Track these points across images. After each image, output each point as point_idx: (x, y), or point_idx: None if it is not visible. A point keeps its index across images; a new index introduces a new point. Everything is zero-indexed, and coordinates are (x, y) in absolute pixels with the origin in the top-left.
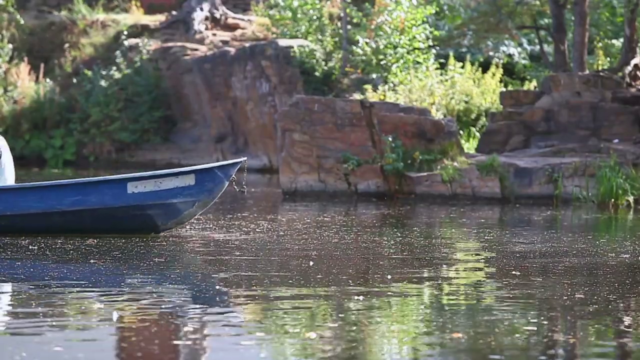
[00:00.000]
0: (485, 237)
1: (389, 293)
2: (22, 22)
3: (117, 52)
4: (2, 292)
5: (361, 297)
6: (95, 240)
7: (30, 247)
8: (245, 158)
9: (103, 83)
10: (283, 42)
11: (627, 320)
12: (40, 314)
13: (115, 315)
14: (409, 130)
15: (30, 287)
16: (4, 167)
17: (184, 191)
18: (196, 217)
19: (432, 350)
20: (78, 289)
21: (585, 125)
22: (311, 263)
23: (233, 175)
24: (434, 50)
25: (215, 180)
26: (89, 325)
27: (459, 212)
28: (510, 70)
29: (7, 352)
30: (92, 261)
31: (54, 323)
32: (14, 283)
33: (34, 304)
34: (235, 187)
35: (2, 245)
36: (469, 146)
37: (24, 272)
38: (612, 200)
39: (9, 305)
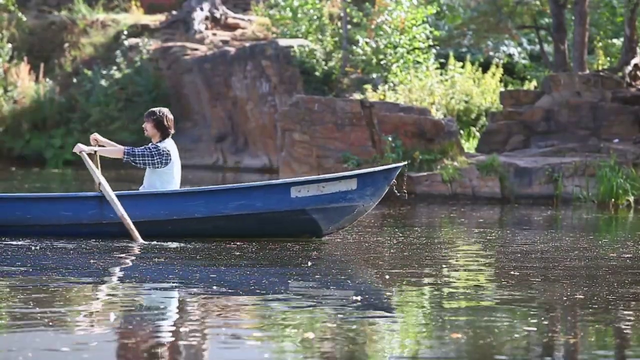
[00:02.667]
0: (485, 237)
1: (389, 293)
2: (24, 19)
3: (117, 52)
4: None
5: (359, 297)
6: (249, 244)
7: (181, 250)
8: (405, 162)
9: (103, 83)
10: (283, 42)
11: (627, 320)
12: (198, 319)
13: (112, 317)
14: (409, 130)
15: (187, 291)
16: (173, 173)
17: (346, 195)
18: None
19: (432, 350)
20: (228, 291)
21: (585, 125)
22: (309, 264)
23: (393, 180)
24: (434, 50)
25: (377, 185)
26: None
27: (459, 212)
28: (510, 70)
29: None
30: (251, 265)
31: (205, 329)
32: (161, 285)
33: (190, 308)
34: (395, 191)
35: (155, 248)
36: (469, 146)
37: (175, 275)
38: (612, 200)
39: (170, 310)
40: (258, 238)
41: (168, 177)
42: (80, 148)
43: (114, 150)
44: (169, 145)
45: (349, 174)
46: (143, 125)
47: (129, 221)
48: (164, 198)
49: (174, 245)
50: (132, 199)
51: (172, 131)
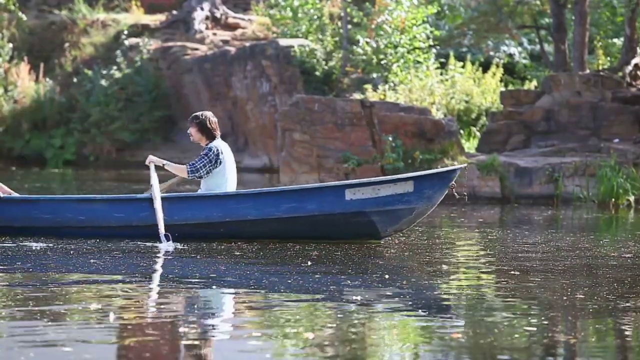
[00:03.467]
0: (486, 237)
1: (388, 293)
2: (24, 18)
3: (118, 52)
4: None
5: (359, 297)
6: (307, 247)
7: (237, 252)
8: (465, 165)
9: (103, 83)
10: (283, 42)
11: (627, 320)
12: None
13: (112, 317)
14: (409, 129)
15: (239, 292)
16: (226, 173)
17: (403, 198)
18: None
19: (431, 350)
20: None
21: (585, 125)
22: (309, 263)
23: (453, 182)
24: (434, 50)
25: (435, 187)
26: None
27: (459, 212)
28: (510, 70)
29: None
30: (308, 268)
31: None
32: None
33: (248, 311)
34: (455, 193)
35: (223, 250)
36: (469, 146)
37: (233, 276)
38: (613, 199)
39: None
40: (313, 241)
41: (222, 179)
42: (151, 159)
43: (178, 167)
44: (219, 145)
45: (405, 176)
46: (188, 131)
47: (162, 227)
48: (217, 200)
49: (204, 244)
50: (186, 201)
51: (218, 133)
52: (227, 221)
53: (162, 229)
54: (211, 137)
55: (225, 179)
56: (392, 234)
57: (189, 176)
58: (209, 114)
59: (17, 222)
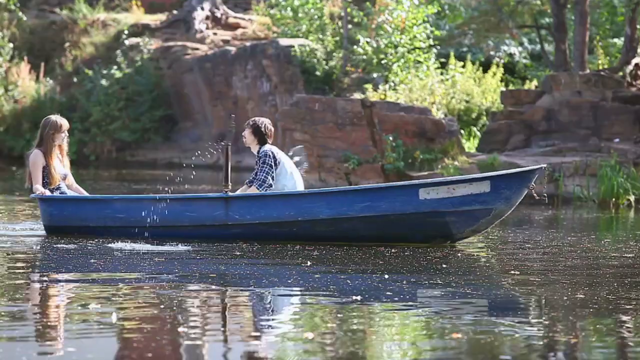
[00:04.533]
0: (486, 237)
1: (388, 293)
2: (24, 18)
3: (118, 52)
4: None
5: (359, 297)
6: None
7: (238, 252)
8: (545, 165)
9: (104, 82)
10: (284, 42)
11: (627, 320)
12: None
13: (114, 317)
14: (410, 129)
15: (239, 292)
16: (288, 172)
17: (479, 198)
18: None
19: (431, 350)
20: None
21: (586, 125)
22: (309, 263)
23: (532, 183)
24: (434, 50)
25: (512, 188)
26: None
27: None
28: (511, 70)
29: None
30: (383, 270)
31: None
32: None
33: (248, 312)
34: (535, 194)
35: (289, 252)
36: (470, 145)
37: (233, 276)
38: (613, 199)
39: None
40: (386, 241)
41: (285, 178)
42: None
43: (250, 191)
44: (270, 147)
45: (481, 176)
46: (242, 134)
47: None
48: (290, 199)
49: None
50: (259, 200)
51: (270, 140)
52: (299, 220)
53: None
54: (262, 141)
55: (289, 177)
56: (469, 235)
57: (260, 190)
58: (266, 120)
59: (92, 221)
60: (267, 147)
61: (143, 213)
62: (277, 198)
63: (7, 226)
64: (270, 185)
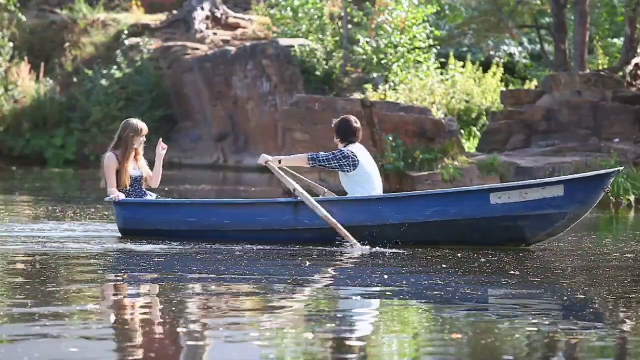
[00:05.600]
0: None
1: (388, 293)
2: (24, 19)
3: (118, 52)
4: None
5: (359, 297)
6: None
7: (238, 252)
8: (621, 168)
9: (104, 82)
10: (284, 42)
11: (627, 320)
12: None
13: (112, 317)
14: (410, 129)
15: (239, 293)
16: (363, 176)
17: (553, 202)
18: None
19: (431, 350)
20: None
21: (586, 125)
22: (307, 263)
23: (609, 186)
24: (434, 50)
25: (588, 191)
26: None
27: None
28: (511, 70)
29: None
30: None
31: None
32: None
33: (248, 312)
34: (612, 198)
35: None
36: (470, 145)
37: (233, 276)
38: (613, 199)
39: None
40: (458, 246)
41: (365, 182)
42: (265, 159)
43: (298, 158)
44: (353, 148)
45: (554, 180)
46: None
47: (337, 224)
48: (359, 204)
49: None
50: (328, 205)
51: (356, 139)
52: (368, 225)
53: (346, 234)
54: (347, 140)
55: (364, 183)
56: (545, 239)
57: (309, 163)
58: (352, 118)
59: (163, 225)
60: (348, 147)
61: (214, 217)
62: (346, 203)
63: (84, 227)
64: (322, 166)
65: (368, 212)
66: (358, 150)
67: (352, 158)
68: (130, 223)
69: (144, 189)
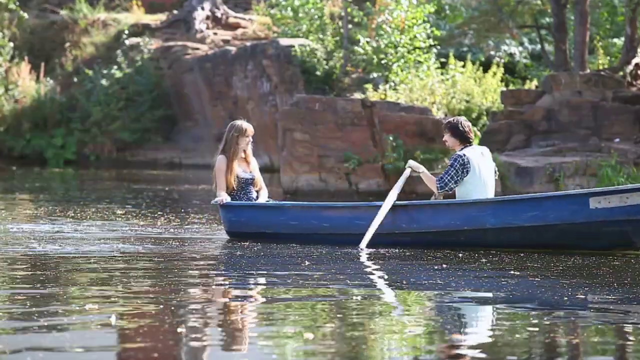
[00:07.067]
0: None
1: (388, 293)
2: (26, 16)
3: (118, 52)
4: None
5: (359, 297)
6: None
7: (238, 252)
8: None
9: (104, 82)
10: (284, 42)
11: (628, 320)
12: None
13: (113, 319)
14: (410, 129)
15: (239, 293)
16: (474, 181)
17: None
18: None
19: (431, 350)
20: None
21: (586, 125)
22: (307, 263)
23: None
24: (434, 50)
25: None
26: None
27: None
28: (511, 70)
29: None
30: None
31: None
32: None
33: (248, 312)
34: None
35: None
36: None
37: (233, 276)
38: None
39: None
40: (558, 250)
41: (470, 187)
42: (410, 165)
43: (431, 179)
44: (469, 152)
45: None
46: (443, 139)
47: (373, 229)
48: (456, 208)
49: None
50: (427, 209)
51: (472, 137)
52: (465, 229)
53: (366, 240)
54: (465, 140)
55: (474, 187)
56: None
57: (438, 191)
58: (462, 118)
59: (267, 228)
60: (463, 152)
61: (314, 220)
62: (443, 207)
63: (195, 229)
64: (451, 189)
65: (465, 216)
66: (473, 153)
67: (464, 162)
68: (236, 226)
69: (255, 192)
